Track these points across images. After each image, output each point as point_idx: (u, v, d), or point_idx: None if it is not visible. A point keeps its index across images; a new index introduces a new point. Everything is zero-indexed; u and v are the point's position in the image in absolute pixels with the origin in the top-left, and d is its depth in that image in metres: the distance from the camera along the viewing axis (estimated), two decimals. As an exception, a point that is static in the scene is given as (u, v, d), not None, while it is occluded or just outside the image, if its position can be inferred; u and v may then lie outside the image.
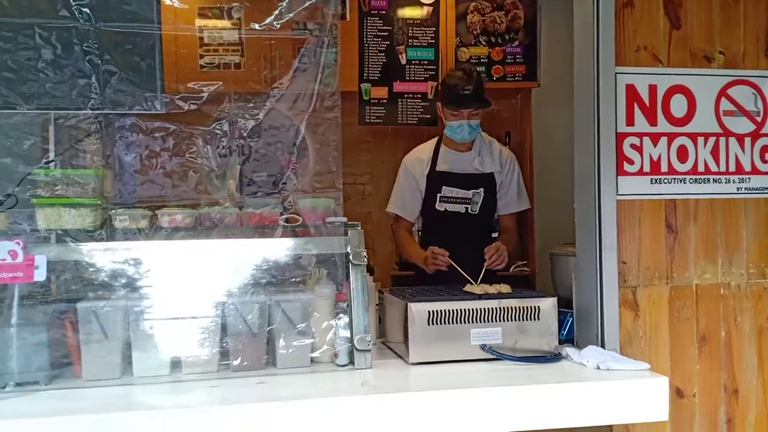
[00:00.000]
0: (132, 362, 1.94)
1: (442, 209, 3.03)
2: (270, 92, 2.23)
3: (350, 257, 2.06)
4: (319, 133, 2.24)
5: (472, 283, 2.37)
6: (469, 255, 2.70)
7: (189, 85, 2.05)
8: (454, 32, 4.10)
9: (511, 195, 3.12)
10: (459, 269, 2.52)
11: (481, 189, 3.04)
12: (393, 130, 4.21)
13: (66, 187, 2.01)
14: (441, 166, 3.05)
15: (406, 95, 4.09)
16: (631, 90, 2.28)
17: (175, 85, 2.06)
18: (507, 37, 4.11)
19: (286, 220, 2.13)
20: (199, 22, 3.68)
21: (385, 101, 4.06)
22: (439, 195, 3.03)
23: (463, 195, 3.03)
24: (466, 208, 3.04)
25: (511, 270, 3.86)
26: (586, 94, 2.29)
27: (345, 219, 2.16)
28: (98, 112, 1.72)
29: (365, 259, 2.07)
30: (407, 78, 4.09)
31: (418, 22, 4.09)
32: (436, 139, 3.13)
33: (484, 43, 4.11)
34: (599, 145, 2.24)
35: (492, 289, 2.28)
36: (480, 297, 2.18)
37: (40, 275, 1.83)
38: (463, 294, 2.25)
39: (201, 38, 3.92)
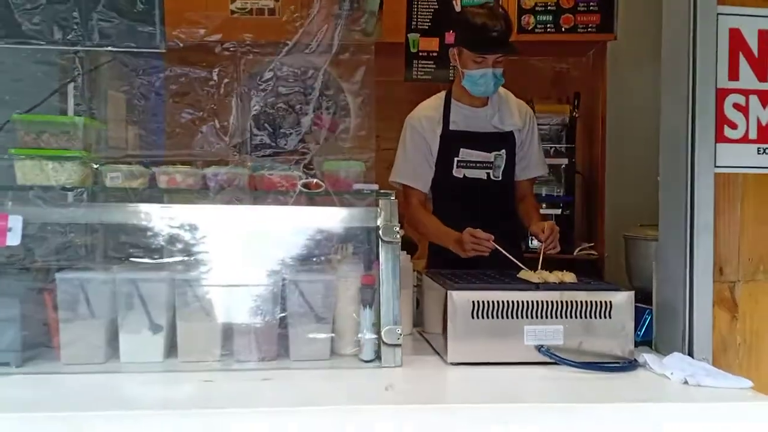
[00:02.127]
0: (119, 345, 1.80)
1: (461, 176, 2.77)
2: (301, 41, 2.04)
3: (380, 233, 1.85)
4: (350, 83, 2.01)
5: (526, 270, 2.14)
6: (495, 230, 2.47)
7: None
8: None
9: (531, 157, 2.85)
10: (508, 255, 2.30)
11: (503, 150, 2.78)
12: (444, 88, 3.96)
13: (50, 137, 1.83)
14: (455, 125, 2.79)
15: None
16: (735, 36, 2.02)
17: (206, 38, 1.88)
18: None
19: (306, 186, 1.92)
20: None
21: (435, 54, 3.93)
22: (456, 159, 2.76)
23: (484, 158, 2.77)
24: (488, 174, 2.78)
25: (575, 253, 3.63)
26: (678, 41, 2.01)
27: (376, 186, 1.97)
28: (78, 48, 1.50)
29: (398, 236, 1.87)
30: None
31: (478, -39, 3.89)
32: (442, 93, 2.87)
33: None
34: (694, 104, 1.97)
35: (552, 277, 2.06)
36: (538, 287, 1.94)
37: (13, 239, 1.71)
38: (517, 282, 2.01)
39: None
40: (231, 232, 1.88)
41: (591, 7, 3.87)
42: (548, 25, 3.86)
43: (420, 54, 3.92)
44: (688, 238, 1.98)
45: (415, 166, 2.79)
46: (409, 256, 2.37)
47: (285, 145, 1.84)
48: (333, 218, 1.91)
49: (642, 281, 2.27)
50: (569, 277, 2.06)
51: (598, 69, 4.03)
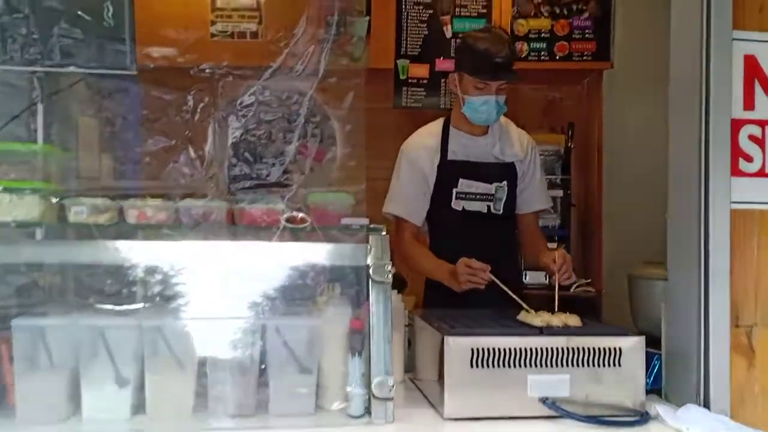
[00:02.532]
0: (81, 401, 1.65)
1: (460, 208, 2.65)
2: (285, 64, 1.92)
3: (370, 272, 1.72)
4: (338, 109, 1.90)
5: (526, 310, 2.01)
6: (495, 268, 2.35)
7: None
8: (510, 0, 3.87)
9: (534, 189, 2.75)
10: (505, 288, 2.18)
11: (504, 182, 2.68)
12: (434, 115, 3.88)
13: (8, 168, 1.69)
14: (454, 155, 2.68)
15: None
16: (751, 63, 1.92)
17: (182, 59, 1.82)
18: (574, 7, 3.84)
19: (288, 220, 1.79)
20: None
21: (425, 81, 3.83)
22: (455, 190, 2.65)
23: (484, 190, 2.66)
24: (488, 207, 2.67)
25: (572, 290, 3.51)
26: (690, 68, 1.92)
27: (366, 220, 1.84)
28: (35, 68, 1.36)
29: (390, 275, 1.74)
30: (453, 54, 3.77)
31: (468, -13, 3.89)
32: (440, 120, 2.76)
33: (546, 14, 3.84)
34: (707, 136, 1.88)
35: (556, 320, 1.93)
36: (542, 331, 1.81)
37: (-38, 280, 1.55)
38: (519, 326, 1.89)
39: (213, 1, 3.77)
40: (206, 272, 1.73)
41: (587, 35, 3.83)
42: (542, 53, 3.80)
43: (410, 81, 3.84)
44: (703, 280, 1.88)
45: (409, 197, 2.67)
46: (400, 295, 2.24)
47: (267, 176, 1.70)
48: (319, 255, 1.78)
49: (648, 324, 2.16)
50: (574, 320, 1.93)
51: (593, 98, 3.98)
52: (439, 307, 2.47)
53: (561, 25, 3.83)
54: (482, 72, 2.50)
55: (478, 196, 2.65)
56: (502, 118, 2.70)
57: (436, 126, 2.75)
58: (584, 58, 3.83)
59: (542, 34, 3.81)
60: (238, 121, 1.81)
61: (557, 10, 3.82)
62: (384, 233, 1.81)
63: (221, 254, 1.74)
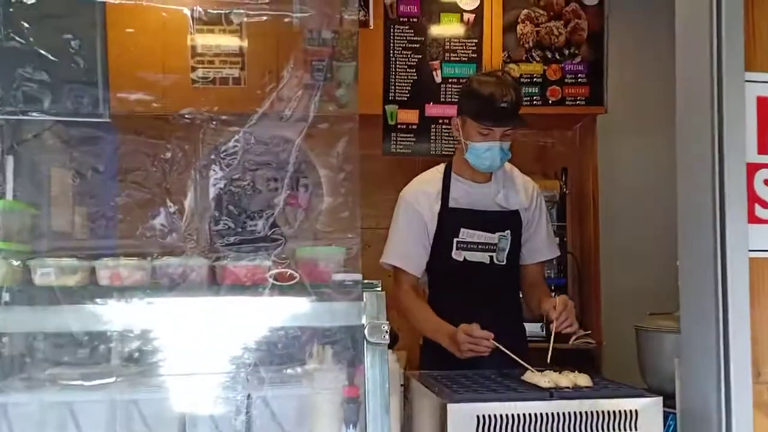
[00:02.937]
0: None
1: (461, 259, 2.55)
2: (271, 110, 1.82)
3: (366, 332, 1.59)
4: (329, 156, 1.79)
5: (532, 370, 1.92)
6: (498, 323, 2.28)
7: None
8: (500, 45, 3.81)
9: (540, 239, 2.66)
10: (513, 356, 2.07)
11: (508, 231, 2.58)
12: (424, 162, 3.78)
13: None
14: (456, 202, 2.59)
15: (440, 121, 3.79)
16: (764, 105, 1.85)
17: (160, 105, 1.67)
18: (567, 52, 3.78)
19: (276, 278, 1.66)
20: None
21: (414, 127, 3.79)
22: (456, 240, 2.55)
23: (487, 239, 2.56)
24: (491, 257, 2.57)
25: (571, 342, 3.37)
26: (699, 110, 1.85)
27: (359, 276, 1.70)
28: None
29: (387, 335, 1.60)
30: (442, 100, 3.80)
31: (458, 32, 3.83)
32: (441, 166, 2.69)
33: (538, 58, 3.79)
34: (722, 181, 1.80)
35: (564, 380, 1.82)
36: (551, 394, 1.69)
37: None
38: (526, 389, 1.78)
39: (194, 47, 3.64)
40: (185, 336, 1.59)
41: (579, 79, 3.78)
42: (534, 98, 3.75)
43: (399, 126, 3.78)
44: (721, 332, 1.77)
45: (408, 246, 2.57)
46: (395, 354, 2.11)
47: (254, 230, 1.57)
48: (309, 316, 1.65)
49: (658, 379, 2.09)
50: (584, 379, 1.84)
51: (586, 143, 3.92)
52: (437, 364, 2.38)
53: (553, 70, 3.78)
54: (486, 117, 2.43)
55: (480, 246, 2.55)
56: (506, 165, 2.62)
57: (436, 172, 2.67)
58: (577, 102, 3.78)
59: (534, 79, 3.77)
60: (221, 170, 1.69)
61: (549, 55, 3.78)
62: (380, 289, 1.68)
63: (201, 315, 1.59)
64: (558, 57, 3.79)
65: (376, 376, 1.57)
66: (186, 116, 1.50)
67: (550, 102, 3.76)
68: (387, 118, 3.77)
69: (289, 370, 1.66)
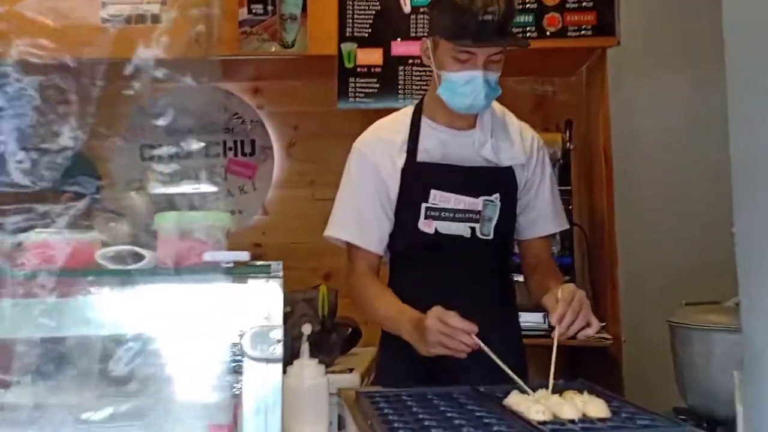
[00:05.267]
0: None
1: (431, 231, 2.20)
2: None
3: (244, 342, 1.18)
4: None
5: (528, 392, 1.55)
6: (482, 318, 1.89)
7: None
8: None
9: (543, 206, 2.33)
10: (499, 362, 1.71)
11: (497, 195, 2.23)
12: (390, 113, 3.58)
13: None
14: (426, 154, 2.24)
15: (410, 61, 3.48)
16: None
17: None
18: None
19: (114, 257, 1.27)
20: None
21: (378, 70, 3.47)
22: (424, 206, 2.20)
23: (467, 205, 2.22)
24: (473, 229, 2.21)
25: (580, 335, 3.07)
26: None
27: (246, 254, 1.30)
28: None
29: (279, 348, 1.18)
30: (413, 35, 3.47)
31: (431, -49, 3.55)
32: (408, 109, 2.34)
33: None
34: None
35: (568, 407, 1.48)
36: (548, 432, 1.26)
37: None
38: (508, 427, 1.37)
39: None
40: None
41: (584, 4, 3.44)
42: (528, 28, 3.41)
43: (358, 70, 3.48)
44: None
45: (362, 213, 2.22)
46: (323, 365, 1.73)
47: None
48: (166, 316, 1.21)
49: (704, 399, 1.75)
50: (597, 407, 1.42)
51: (596, 85, 3.60)
52: (392, 374, 2.07)
53: (551, -8, 3.53)
54: (462, 35, 2.05)
55: (458, 215, 2.21)
56: (497, 105, 2.29)
57: (402, 115, 2.32)
58: (582, 33, 3.43)
59: (527, 5, 3.43)
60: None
61: (544, -25, 3.52)
62: (280, 274, 1.25)
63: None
64: (556, -24, 3.53)
65: (260, 407, 1.15)
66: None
67: (547, 33, 3.41)
68: (343, 60, 3.47)
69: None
